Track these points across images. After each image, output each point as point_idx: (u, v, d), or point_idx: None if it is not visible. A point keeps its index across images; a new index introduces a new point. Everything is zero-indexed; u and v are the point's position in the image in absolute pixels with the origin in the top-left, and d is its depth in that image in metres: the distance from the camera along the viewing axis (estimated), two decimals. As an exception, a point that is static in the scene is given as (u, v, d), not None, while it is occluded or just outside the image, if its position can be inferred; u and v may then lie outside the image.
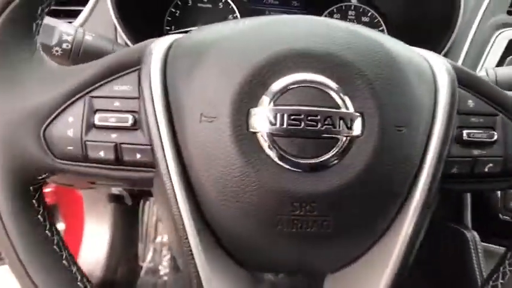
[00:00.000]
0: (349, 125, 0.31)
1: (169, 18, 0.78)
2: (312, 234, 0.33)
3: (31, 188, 0.36)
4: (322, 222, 0.32)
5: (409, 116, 0.33)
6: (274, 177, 0.31)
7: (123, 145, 0.33)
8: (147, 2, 0.73)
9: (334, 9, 0.81)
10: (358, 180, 0.32)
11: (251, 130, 0.31)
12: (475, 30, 0.67)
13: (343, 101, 0.32)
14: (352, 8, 0.81)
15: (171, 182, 0.33)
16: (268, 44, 0.32)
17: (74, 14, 0.64)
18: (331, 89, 0.32)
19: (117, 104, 0.34)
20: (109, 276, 1.12)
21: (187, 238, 0.33)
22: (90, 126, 0.34)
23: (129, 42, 0.64)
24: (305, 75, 0.32)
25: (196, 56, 0.34)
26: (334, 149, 0.31)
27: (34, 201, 0.36)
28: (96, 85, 0.34)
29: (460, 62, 0.66)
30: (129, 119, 0.33)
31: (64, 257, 0.37)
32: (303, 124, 0.31)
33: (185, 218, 0.33)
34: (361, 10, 0.81)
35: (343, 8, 0.81)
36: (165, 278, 1.23)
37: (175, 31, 0.78)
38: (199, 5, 0.78)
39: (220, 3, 0.79)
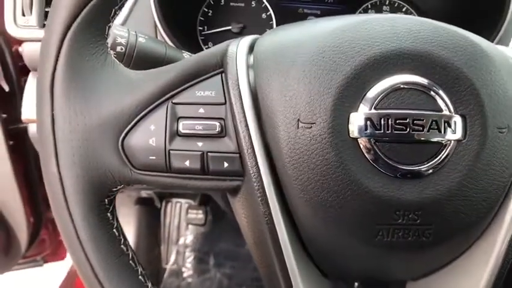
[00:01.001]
0: (453, 129, 0.30)
1: (202, 18, 0.76)
2: (411, 243, 0.31)
3: (106, 200, 0.34)
4: (424, 231, 0.31)
5: (509, 117, 0.32)
6: (377, 186, 0.30)
7: (210, 153, 0.32)
8: (181, 2, 0.71)
9: (369, 5, 0.79)
10: (462, 186, 0.30)
11: (352, 136, 0.30)
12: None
13: (445, 103, 0.30)
14: (387, 3, 0.79)
15: (264, 191, 0.31)
16: (366, 45, 0.31)
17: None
18: (433, 91, 0.30)
19: (201, 110, 0.32)
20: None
21: (280, 248, 0.32)
22: (174, 134, 0.32)
23: (169, 42, 0.62)
24: (405, 77, 0.30)
25: (286, 58, 0.32)
26: (439, 153, 0.30)
27: (109, 214, 0.34)
28: (177, 90, 0.33)
29: None
30: (217, 126, 0.32)
31: (140, 272, 0.35)
32: (408, 129, 0.29)
33: (278, 228, 0.32)
34: (396, 5, 0.79)
35: (378, 3, 0.79)
36: (189, 280, 1.22)
37: (209, 31, 0.76)
38: (231, 4, 0.77)
39: (253, 2, 0.77)
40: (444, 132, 0.30)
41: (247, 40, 0.35)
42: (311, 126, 0.30)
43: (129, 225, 1.13)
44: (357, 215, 0.30)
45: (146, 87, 0.33)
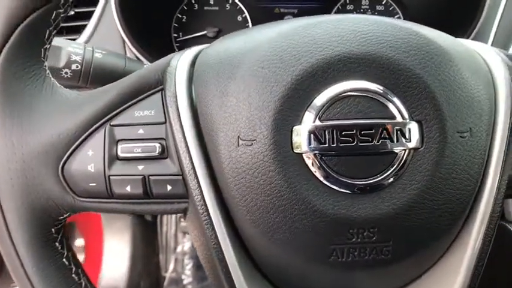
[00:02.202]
0: (407, 137, 0.28)
1: (176, 25, 0.75)
2: (369, 262, 0.29)
3: (53, 230, 0.33)
4: (382, 249, 0.29)
5: (471, 119, 0.29)
6: (326, 203, 0.28)
7: (151, 177, 0.30)
8: (152, 10, 0.69)
9: (347, 0, 0.77)
10: (421, 198, 0.28)
11: (296, 151, 0.28)
12: (502, 11, 0.63)
13: (398, 109, 0.28)
14: (366, -4, 0.77)
15: (208, 213, 0.30)
16: (308, 51, 0.29)
17: (78, 30, 0.60)
18: (384, 96, 0.28)
19: (141, 131, 0.31)
20: (132, 289, 1.11)
21: (228, 271, 0.30)
22: (113, 158, 0.31)
23: (139, 55, 0.60)
24: (352, 83, 0.28)
25: (226, 71, 0.30)
26: (392, 165, 0.28)
27: (57, 244, 0.33)
28: (115, 112, 0.31)
29: None
30: (157, 147, 0.30)
31: None
32: (356, 140, 0.27)
33: (226, 252, 0.30)
34: (374, -2, 0.77)
35: (356, -3, 0.77)
36: (189, 287, 1.21)
37: (184, 37, 0.75)
38: (205, 8, 0.75)
39: (227, 5, 0.75)
40: (397, 141, 0.28)
41: (191, 52, 0.33)
42: (252, 144, 0.28)
43: (125, 237, 1.13)
44: (308, 235, 0.28)
45: (84, 110, 0.31)
